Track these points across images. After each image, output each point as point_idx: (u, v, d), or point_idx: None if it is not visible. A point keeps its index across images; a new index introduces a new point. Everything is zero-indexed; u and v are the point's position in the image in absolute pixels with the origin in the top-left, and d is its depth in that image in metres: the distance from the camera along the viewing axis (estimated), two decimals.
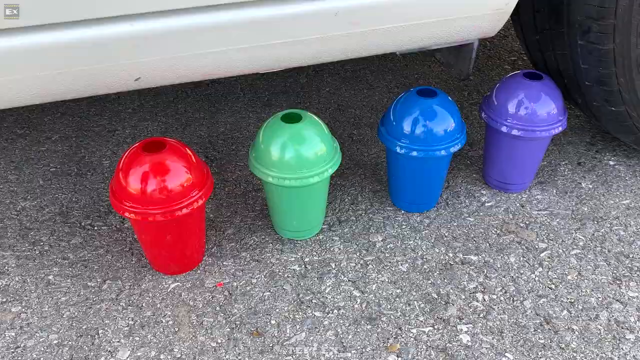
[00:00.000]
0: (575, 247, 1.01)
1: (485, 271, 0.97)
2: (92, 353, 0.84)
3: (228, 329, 0.87)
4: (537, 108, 1.02)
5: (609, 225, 1.06)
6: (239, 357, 0.83)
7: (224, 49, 0.79)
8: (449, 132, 0.98)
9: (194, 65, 0.80)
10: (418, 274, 0.96)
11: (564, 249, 1.01)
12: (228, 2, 0.75)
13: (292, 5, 0.78)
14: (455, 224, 1.07)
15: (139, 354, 0.84)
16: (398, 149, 0.99)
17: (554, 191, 1.14)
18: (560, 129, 1.03)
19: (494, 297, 0.92)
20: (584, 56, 1.00)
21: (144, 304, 0.92)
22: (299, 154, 0.91)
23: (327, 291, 0.94)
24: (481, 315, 0.89)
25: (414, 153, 0.98)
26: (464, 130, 1.01)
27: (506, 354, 0.83)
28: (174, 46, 0.77)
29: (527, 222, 1.07)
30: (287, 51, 0.83)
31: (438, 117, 0.98)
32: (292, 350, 0.84)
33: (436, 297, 0.92)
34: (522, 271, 0.97)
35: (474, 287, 0.94)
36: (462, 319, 0.89)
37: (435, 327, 0.87)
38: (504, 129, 1.03)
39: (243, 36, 0.79)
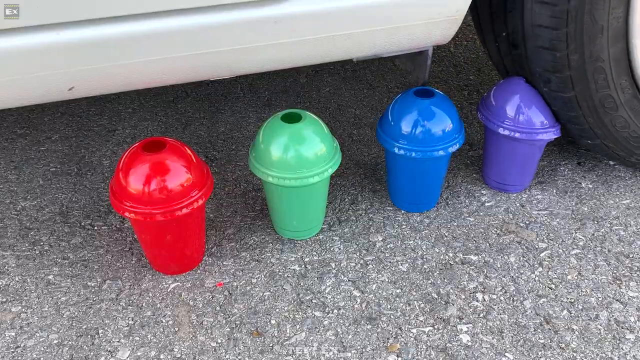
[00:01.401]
0: (575, 247, 1.01)
1: (485, 271, 0.97)
2: (92, 353, 0.84)
3: (228, 329, 0.87)
4: (535, 111, 1.02)
5: (609, 225, 1.06)
6: (239, 357, 0.83)
7: (163, 57, 0.78)
8: (447, 132, 0.98)
9: (132, 74, 0.79)
10: (418, 273, 0.96)
11: (564, 249, 1.01)
12: (166, 9, 0.74)
13: (233, 13, 0.77)
14: (455, 224, 1.07)
15: (139, 353, 0.84)
16: (396, 150, 0.99)
17: (554, 191, 1.14)
18: (559, 132, 1.04)
19: (494, 297, 0.92)
20: (551, 100, 1.03)
21: (144, 304, 0.92)
22: (299, 153, 0.91)
23: (327, 291, 0.94)
24: (481, 315, 0.89)
25: (413, 154, 0.98)
26: (462, 129, 1.01)
27: (506, 354, 0.83)
28: (109, 55, 0.76)
29: (527, 222, 1.07)
30: (233, 59, 0.82)
31: (436, 118, 0.98)
32: (292, 350, 0.84)
33: (436, 297, 0.92)
34: (522, 271, 0.97)
35: (474, 287, 0.94)
36: (462, 318, 0.89)
37: (435, 327, 0.87)
38: (501, 130, 1.03)
39: (180, 45, 0.78)
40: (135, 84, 0.81)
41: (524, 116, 1.02)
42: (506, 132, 1.03)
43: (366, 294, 0.93)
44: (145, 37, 0.75)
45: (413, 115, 0.98)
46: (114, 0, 0.71)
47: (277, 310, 0.90)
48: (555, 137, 1.04)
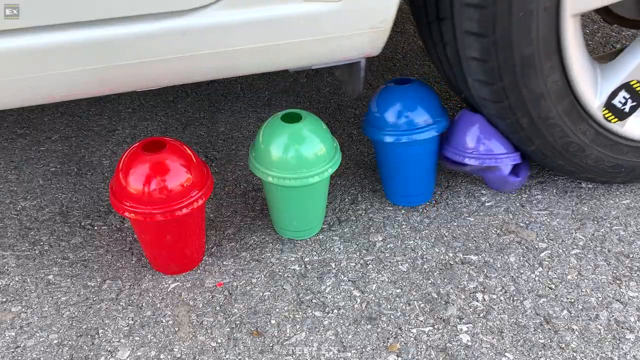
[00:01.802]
0: (575, 246, 1.01)
1: (485, 271, 0.97)
2: (92, 353, 0.84)
3: (228, 329, 0.87)
4: (495, 139, 1.04)
5: (609, 225, 1.06)
6: (239, 357, 0.83)
7: (68, 70, 0.76)
8: (431, 115, 1.00)
9: (37, 87, 0.77)
10: (418, 273, 0.97)
11: (564, 249, 1.01)
12: (70, 22, 0.72)
13: (139, 25, 0.75)
14: (455, 223, 1.07)
15: (139, 353, 0.84)
16: (386, 139, 1.00)
17: (554, 191, 1.14)
18: (517, 159, 1.05)
19: (494, 296, 0.92)
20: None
21: (144, 304, 0.92)
22: (299, 153, 0.91)
23: (327, 291, 0.94)
24: (481, 315, 0.89)
25: (402, 139, 0.99)
26: (444, 114, 1.03)
27: (506, 354, 0.83)
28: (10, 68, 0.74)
29: (527, 222, 1.07)
30: (141, 72, 0.80)
31: (417, 102, 1.00)
32: (292, 350, 0.84)
33: (436, 297, 0.92)
34: (522, 271, 0.97)
35: (474, 287, 0.94)
36: (462, 318, 0.89)
37: (435, 326, 0.87)
38: (467, 160, 1.05)
39: (94, 57, 0.76)
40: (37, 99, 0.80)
41: (484, 146, 1.03)
42: (474, 162, 1.04)
43: (366, 294, 0.93)
44: (57, 49, 0.74)
45: (396, 102, 1.00)
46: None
47: (277, 310, 0.90)
48: (516, 162, 1.05)
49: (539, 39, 0.86)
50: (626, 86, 0.96)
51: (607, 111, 0.97)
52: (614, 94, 0.96)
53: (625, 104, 0.98)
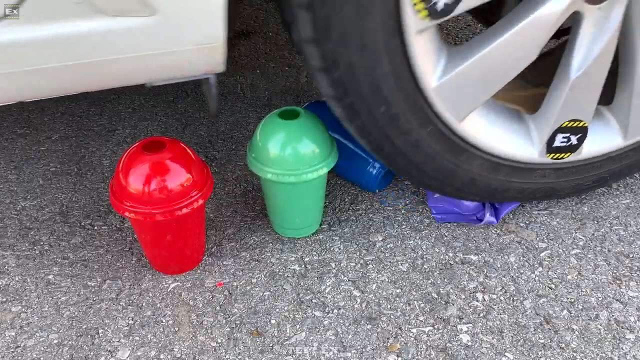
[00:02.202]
0: (575, 246, 1.01)
1: (485, 271, 0.97)
2: (92, 353, 0.84)
3: (228, 329, 0.87)
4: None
5: (609, 225, 1.06)
6: (239, 357, 0.83)
7: None
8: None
9: None
10: (418, 273, 0.97)
11: (564, 249, 1.01)
12: None
13: None
14: (455, 223, 1.07)
15: (139, 353, 0.84)
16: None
17: None
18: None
19: (494, 296, 0.92)
20: None
21: (144, 304, 0.92)
22: (296, 150, 0.91)
23: (327, 291, 0.94)
24: (481, 315, 0.89)
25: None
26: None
27: (506, 354, 0.83)
28: None
29: (527, 222, 1.07)
30: None
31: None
32: (292, 350, 0.84)
33: (436, 296, 0.92)
34: (522, 271, 0.97)
35: (474, 287, 0.94)
36: (462, 318, 0.89)
37: (435, 326, 0.87)
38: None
39: None
40: None
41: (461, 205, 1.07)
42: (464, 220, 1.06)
43: (366, 294, 0.93)
44: None
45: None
46: None
47: (277, 310, 0.90)
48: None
49: (439, 152, 0.89)
50: (559, 129, 0.92)
51: (553, 154, 0.95)
52: (551, 140, 0.93)
53: (569, 140, 0.94)
